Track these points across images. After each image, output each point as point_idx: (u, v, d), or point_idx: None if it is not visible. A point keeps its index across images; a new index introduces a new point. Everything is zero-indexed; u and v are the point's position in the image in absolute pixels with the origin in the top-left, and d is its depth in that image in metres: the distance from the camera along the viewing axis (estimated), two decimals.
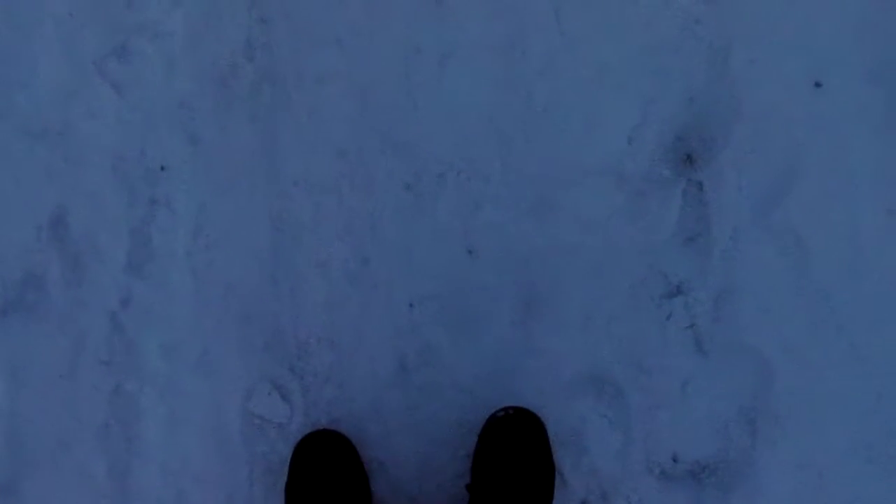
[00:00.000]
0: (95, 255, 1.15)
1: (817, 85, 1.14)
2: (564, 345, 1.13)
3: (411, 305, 1.13)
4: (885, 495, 1.15)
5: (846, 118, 1.12)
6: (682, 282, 1.14)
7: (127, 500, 1.16)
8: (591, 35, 1.14)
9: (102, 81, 1.17)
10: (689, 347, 1.15)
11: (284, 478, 1.11)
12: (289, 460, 1.11)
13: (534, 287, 1.14)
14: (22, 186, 1.16)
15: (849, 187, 1.13)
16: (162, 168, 1.15)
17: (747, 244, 1.14)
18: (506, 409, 1.10)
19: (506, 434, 1.07)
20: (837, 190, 1.13)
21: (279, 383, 1.14)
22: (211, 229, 1.15)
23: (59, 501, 1.16)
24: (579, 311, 1.14)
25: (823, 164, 1.13)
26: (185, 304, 1.14)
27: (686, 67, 1.13)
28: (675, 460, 1.15)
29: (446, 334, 1.13)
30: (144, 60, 1.17)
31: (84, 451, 1.15)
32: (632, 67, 1.14)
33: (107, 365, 1.14)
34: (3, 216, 1.17)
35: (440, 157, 1.13)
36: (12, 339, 1.16)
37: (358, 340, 1.13)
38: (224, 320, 1.13)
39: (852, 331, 1.15)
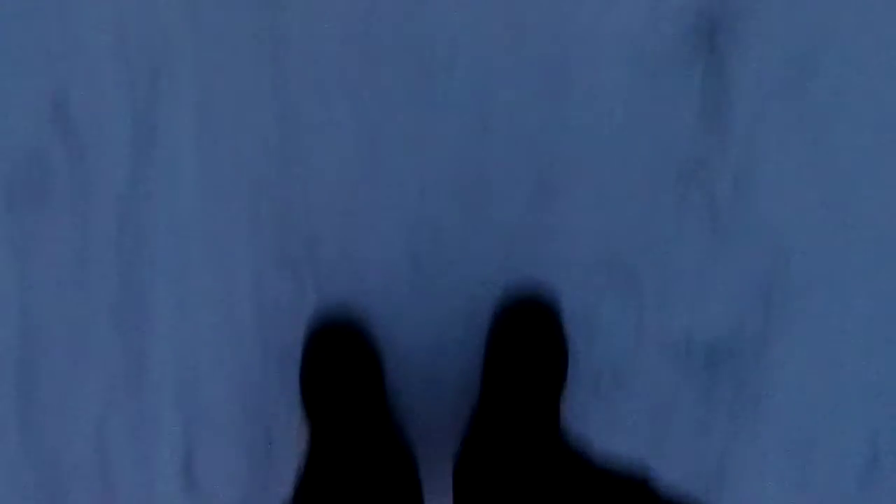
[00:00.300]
0: (99, 136, 1.12)
1: None
2: (578, 226, 1.11)
3: (423, 187, 1.11)
4: None
5: None
6: (700, 161, 1.11)
7: (142, 382, 1.17)
8: None
9: None
10: (705, 228, 1.13)
11: (298, 360, 1.11)
12: (302, 346, 1.11)
13: (548, 168, 1.11)
14: (20, 67, 1.13)
15: (876, 67, 1.09)
16: (163, 43, 1.11)
17: (768, 123, 1.11)
18: (519, 290, 1.09)
19: (518, 317, 1.06)
20: (864, 70, 1.09)
21: (291, 268, 1.13)
22: (216, 109, 1.12)
23: (74, 382, 1.17)
24: (594, 192, 1.11)
25: (851, 43, 1.08)
26: (192, 185, 1.11)
27: None
28: (688, 341, 1.15)
29: (458, 215, 1.11)
30: None
31: (97, 333, 1.15)
32: None
33: (116, 247, 1.13)
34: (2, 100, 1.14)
35: (452, 36, 1.09)
36: (20, 227, 1.14)
37: (370, 223, 1.11)
38: (232, 202, 1.11)
39: (872, 212, 1.12)
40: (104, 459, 1.19)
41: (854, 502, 1.19)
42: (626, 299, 1.13)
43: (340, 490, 0.89)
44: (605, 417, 1.15)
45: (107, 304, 1.15)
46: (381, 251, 1.11)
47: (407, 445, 1.07)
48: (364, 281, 1.13)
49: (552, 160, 1.11)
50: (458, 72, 1.10)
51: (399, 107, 1.10)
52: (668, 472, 1.08)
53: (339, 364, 1.05)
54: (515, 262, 1.12)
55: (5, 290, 1.16)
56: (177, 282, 1.14)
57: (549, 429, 1.00)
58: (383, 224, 1.11)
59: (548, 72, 1.10)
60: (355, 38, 1.09)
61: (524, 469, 0.90)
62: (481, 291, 1.11)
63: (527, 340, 1.03)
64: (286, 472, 1.16)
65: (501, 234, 1.11)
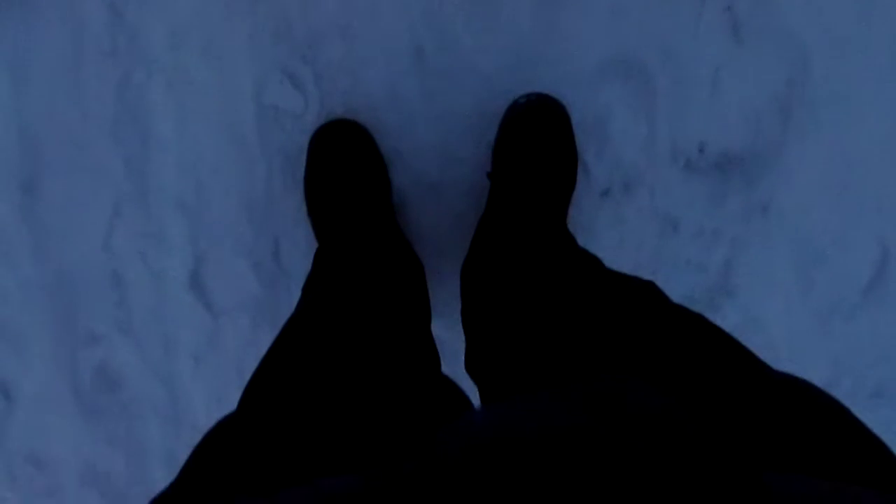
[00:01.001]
0: None
1: None
2: (591, 29, 1.06)
3: None
4: None
5: None
6: None
7: (146, 194, 1.15)
8: None
9: None
10: (724, 32, 1.08)
11: (303, 168, 1.09)
12: (306, 150, 1.09)
13: None
14: None
15: None
16: None
17: None
18: (528, 95, 1.05)
19: (527, 121, 1.03)
20: None
21: (291, 73, 1.09)
22: None
23: (79, 198, 1.16)
24: None
25: None
26: None
27: None
28: (701, 150, 1.12)
29: (466, 18, 1.06)
30: None
31: (98, 147, 1.13)
32: None
33: (111, 56, 1.09)
34: None
35: None
36: (8, 36, 1.10)
37: (372, 27, 1.06)
38: (229, 6, 1.06)
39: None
40: (113, 273, 1.20)
41: (857, 312, 1.20)
42: (639, 105, 1.09)
43: (348, 294, 0.89)
44: (613, 225, 1.14)
45: (105, 118, 1.12)
46: (384, 50, 1.07)
47: (412, 250, 1.07)
48: (368, 84, 1.09)
49: None
50: None
51: None
52: (674, 284, 1.09)
53: (344, 168, 1.03)
54: (524, 66, 1.07)
55: (2, 111, 1.13)
56: (175, 90, 1.11)
57: (556, 229, 0.99)
58: (387, 29, 1.06)
59: None
60: None
61: (531, 266, 0.89)
62: (489, 94, 1.07)
63: (535, 140, 1.01)
64: (294, 280, 1.17)
65: (510, 38, 1.07)
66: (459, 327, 0.99)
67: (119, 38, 1.09)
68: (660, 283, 0.80)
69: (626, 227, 1.15)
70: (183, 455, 0.61)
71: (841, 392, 0.75)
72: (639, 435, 0.35)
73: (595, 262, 0.91)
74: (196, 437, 0.62)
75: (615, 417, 0.36)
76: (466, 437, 0.37)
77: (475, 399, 0.85)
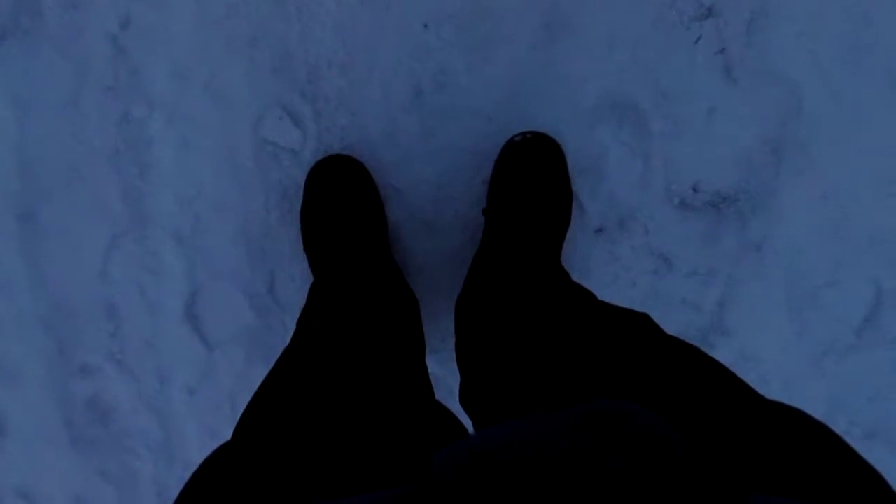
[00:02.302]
0: None
1: None
2: (587, 69, 1.08)
3: (426, 26, 1.07)
4: None
5: None
6: (715, 2, 1.07)
7: (144, 226, 1.16)
8: None
9: None
10: (716, 73, 1.09)
11: (299, 203, 1.10)
12: (303, 185, 1.09)
13: (556, 7, 1.07)
14: None
15: None
16: None
17: None
18: (524, 133, 1.06)
19: (523, 158, 1.04)
20: None
21: (290, 108, 1.10)
22: None
23: (77, 229, 1.17)
24: (604, 34, 1.07)
25: None
26: (187, 25, 1.08)
27: None
28: (695, 189, 1.13)
29: (463, 57, 1.07)
30: None
31: (97, 179, 1.14)
32: None
33: (112, 90, 1.10)
34: None
35: None
36: (12, 68, 1.11)
37: (371, 63, 1.08)
38: (229, 42, 1.08)
39: (891, 59, 1.08)
40: (109, 304, 1.20)
41: (851, 352, 1.20)
42: (634, 144, 1.11)
43: (343, 327, 0.89)
44: (607, 262, 1.15)
45: (105, 151, 1.13)
46: (383, 87, 1.08)
47: (407, 285, 1.07)
48: (366, 120, 1.10)
49: None
50: None
51: None
52: (668, 323, 1.09)
53: (341, 203, 1.04)
54: (521, 104, 1.09)
55: (3, 141, 1.14)
56: (175, 124, 1.12)
57: (550, 265, 1.00)
58: (385, 65, 1.08)
59: None
60: None
61: (525, 300, 0.90)
62: (485, 131, 1.09)
63: (530, 177, 1.02)
64: (289, 313, 1.17)
65: (507, 76, 1.08)
66: (453, 363, 0.99)
67: (121, 72, 1.10)
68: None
69: (620, 264, 1.16)
70: (175, 488, 0.60)
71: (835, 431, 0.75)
72: (635, 456, 0.35)
73: (588, 295, 0.91)
74: (188, 472, 0.62)
75: (613, 439, 0.36)
76: (464, 459, 0.37)
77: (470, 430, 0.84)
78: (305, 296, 1.05)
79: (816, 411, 1.18)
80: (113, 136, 1.12)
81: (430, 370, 0.94)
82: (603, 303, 0.88)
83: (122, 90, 1.11)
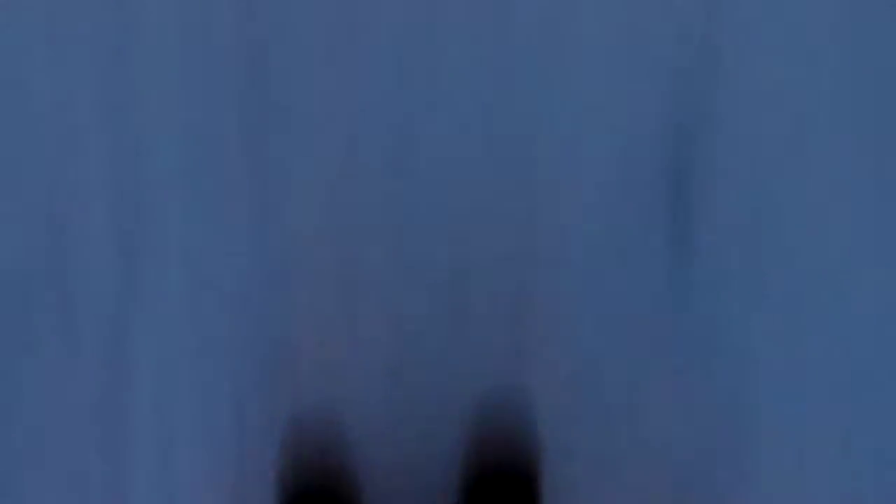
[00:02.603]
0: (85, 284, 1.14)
1: None
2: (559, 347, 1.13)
3: (402, 310, 1.12)
4: None
5: None
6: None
7: None
8: None
9: None
10: (679, 360, 1.14)
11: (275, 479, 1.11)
12: (278, 466, 1.11)
13: (525, 297, 1.13)
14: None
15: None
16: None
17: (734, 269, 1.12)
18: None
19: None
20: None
21: (268, 386, 1.14)
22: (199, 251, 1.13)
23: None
24: (571, 318, 1.13)
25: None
26: (176, 320, 1.13)
27: None
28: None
29: (437, 332, 1.12)
30: None
31: (79, 466, 1.14)
32: None
33: (98, 384, 1.14)
34: None
35: (431, 160, 1.12)
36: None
37: (347, 337, 1.13)
38: (215, 329, 1.13)
39: (849, 353, 1.13)
40: None
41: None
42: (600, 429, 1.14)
43: None
44: None
45: (88, 438, 1.14)
46: (359, 366, 1.12)
47: None
48: (342, 397, 1.13)
49: (527, 290, 1.13)
50: (433, 198, 1.13)
51: (377, 230, 1.13)
52: None
53: (316, 487, 1.05)
54: (495, 380, 1.13)
55: None
56: (159, 413, 1.14)
57: None
58: (361, 338, 1.13)
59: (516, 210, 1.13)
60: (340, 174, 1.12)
61: None
62: (459, 407, 1.12)
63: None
64: None
65: (481, 353, 1.13)
66: None
67: (108, 363, 1.13)
68: None
69: None
70: None
71: None
72: None
73: None
74: None
75: None
76: None
77: None
78: None
79: None
80: (97, 427, 1.14)
81: None
82: None
83: (106, 380, 1.14)
